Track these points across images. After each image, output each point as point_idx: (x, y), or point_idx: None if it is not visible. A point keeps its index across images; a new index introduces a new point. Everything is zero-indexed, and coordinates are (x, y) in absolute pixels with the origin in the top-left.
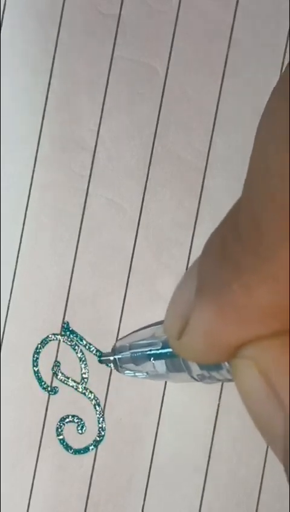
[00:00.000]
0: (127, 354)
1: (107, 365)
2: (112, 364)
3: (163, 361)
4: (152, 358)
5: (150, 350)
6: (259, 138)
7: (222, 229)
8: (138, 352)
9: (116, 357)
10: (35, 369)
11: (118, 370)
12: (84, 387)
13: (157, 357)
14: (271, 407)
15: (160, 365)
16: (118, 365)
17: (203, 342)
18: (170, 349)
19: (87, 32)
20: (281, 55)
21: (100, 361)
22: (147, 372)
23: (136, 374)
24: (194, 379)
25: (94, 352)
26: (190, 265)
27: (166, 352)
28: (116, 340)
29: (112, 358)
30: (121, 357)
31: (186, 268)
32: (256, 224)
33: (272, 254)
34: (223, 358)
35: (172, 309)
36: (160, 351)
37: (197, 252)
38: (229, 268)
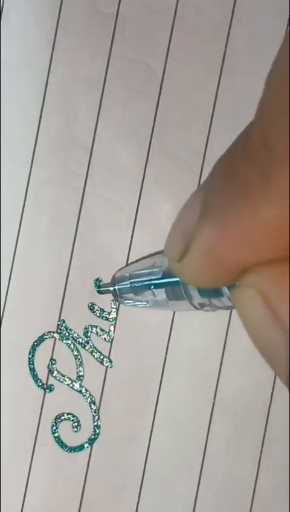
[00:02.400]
0: (127, 283)
1: (102, 293)
2: (111, 295)
3: (163, 289)
4: (152, 287)
5: (151, 279)
6: (277, 62)
7: (231, 151)
8: (138, 281)
9: (116, 287)
10: (31, 367)
11: (117, 300)
12: (80, 385)
13: (158, 285)
14: (274, 331)
15: (160, 294)
16: (118, 295)
17: (204, 262)
18: (170, 278)
19: (85, 30)
20: None
21: (99, 292)
22: (147, 301)
23: (136, 303)
24: (194, 307)
25: (90, 350)
26: None
27: (167, 281)
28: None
29: (111, 288)
30: (121, 287)
31: None
32: (266, 142)
33: (281, 172)
34: (224, 280)
35: (174, 230)
36: (161, 280)
37: None
38: (237, 187)
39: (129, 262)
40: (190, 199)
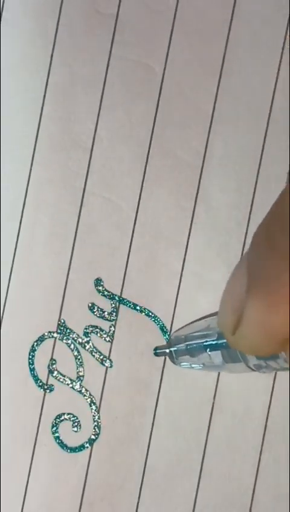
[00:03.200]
0: (182, 346)
1: (159, 355)
2: (167, 357)
3: (219, 352)
4: (208, 350)
5: (206, 341)
6: None
7: (267, 220)
8: (194, 343)
9: (172, 349)
10: (31, 367)
11: (174, 362)
12: (80, 385)
13: (214, 347)
14: None
15: (216, 356)
16: (174, 357)
17: (258, 334)
18: (225, 340)
19: (85, 31)
20: (279, 54)
21: (156, 354)
22: (203, 364)
23: (193, 365)
24: (251, 369)
25: (90, 350)
26: (185, 265)
27: (222, 343)
28: (171, 332)
29: (167, 350)
30: (176, 349)
31: (182, 268)
32: None
33: None
34: (279, 348)
35: (225, 303)
36: (216, 341)
37: (193, 251)
38: (277, 259)
39: (184, 324)
40: (236, 270)
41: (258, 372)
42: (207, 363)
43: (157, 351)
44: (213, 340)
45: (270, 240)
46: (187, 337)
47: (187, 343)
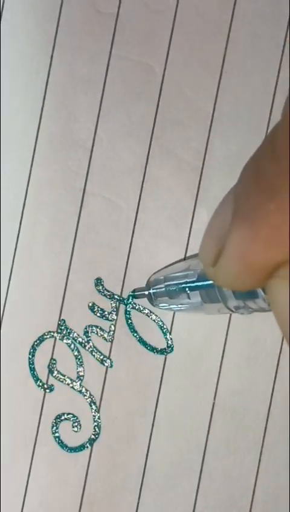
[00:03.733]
0: (161, 287)
1: (137, 299)
2: (146, 299)
3: (198, 292)
4: (187, 290)
5: (186, 282)
6: None
7: (258, 154)
8: (173, 284)
9: (151, 291)
10: (31, 367)
11: (152, 304)
12: (80, 385)
13: (193, 288)
14: None
15: (195, 297)
16: (153, 299)
17: (238, 265)
18: (205, 281)
19: (85, 31)
20: (279, 54)
21: (134, 297)
22: (181, 304)
23: (171, 306)
24: (230, 310)
25: (90, 350)
26: None
27: (202, 284)
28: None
29: (146, 292)
30: (155, 290)
31: None
32: None
33: None
34: (258, 282)
35: (208, 235)
36: (195, 282)
37: (193, 251)
38: (265, 189)
39: (164, 266)
40: (221, 204)
41: (237, 314)
42: (186, 304)
43: (136, 293)
44: (193, 281)
45: (259, 172)
46: (166, 277)
47: (166, 283)
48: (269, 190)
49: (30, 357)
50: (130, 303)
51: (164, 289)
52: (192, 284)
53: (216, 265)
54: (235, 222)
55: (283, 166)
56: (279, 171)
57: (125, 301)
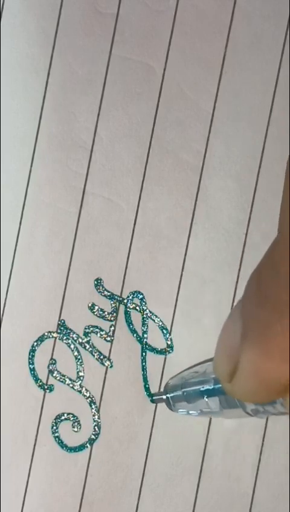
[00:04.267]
0: (179, 392)
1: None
2: (164, 404)
3: (217, 398)
4: (205, 396)
5: (203, 387)
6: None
7: (259, 269)
8: (191, 390)
9: (168, 395)
10: (31, 367)
11: (171, 409)
12: (80, 385)
13: (211, 393)
14: None
15: (213, 402)
16: (171, 404)
17: (253, 382)
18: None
19: (85, 30)
20: (279, 54)
21: (152, 401)
22: (200, 410)
23: (190, 412)
24: (249, 414)
25: (90, 350)
26: (186, 265)
27: (219, 389)
28: (169, 378)
29: (164, 397)
30: (173, 395)
31: (182, 268)
32: None
33: None
34: (275, 395)
35: (220, 351)
36: (213, 387)
37: (193, 251)
38: (269, 308)
39: (181, 370)
40: (229, 320)
41: (255, 417)
42: (204, 409)
43: (154, 398)
44: (210, 386)
45: (262, 288)
46: (184, 383)
47: (184, 389)
48: (274, 308)
49: (30, 357)
50: (130, 300)
51: (181, 394)
52: (209, 389)
53: (232, 381)
54: (245, 339)
55: (283, 283)
56: (280, 288)
57: (125, 301)
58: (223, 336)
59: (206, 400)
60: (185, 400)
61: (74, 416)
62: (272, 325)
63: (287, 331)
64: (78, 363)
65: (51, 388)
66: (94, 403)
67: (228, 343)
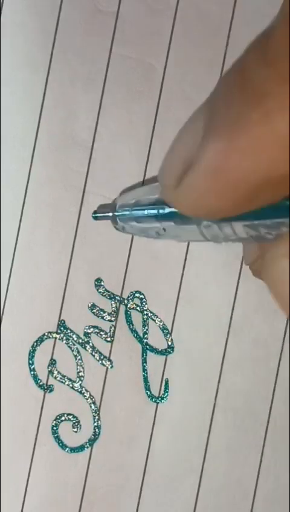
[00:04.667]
0: (127, 210)
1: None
2: (110, 221)
3: (172, 223)
4: (158, 212)
5: (155, 207)
6: None
7: (244, 58)
8: (142, 208)
9: (116, 213)
10: (31, 367)
11: (117, 228)
12: (80, 385)
13: (165, 217)
14: None
15: (168, 226)
16: (117, 222)
17: (209, 180)
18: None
19: (85, 29)
20: None
21: (95, 218)
22: (151, 230)
23: (138, 232)
24: (204, 236)
25: (90, 350)
26: (186, 265)
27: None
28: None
29: (110, 214)
30: (121, 213)
31: (183, 268)
32: None
33: None
34: (231, 207)
35: (172, 153)
36: (168, 210)
37: (193, 251)
38: (249, 96)
39: (131, 185)
40: (189, 120)
41: (215, 243)
42: (155, 229)
43: (98, 215)
44: (165, 207)
45: (244, 76)
46: (136, 202)
47: (135, 208)
48: (254, 96)
49: (30, 357)
50: (130, 301)
51: (130, 212)
52: (164, 212)
53: (180, 185)
54: (209, 134)
55: (274, 69)
56: (269, 73)
57: (125, 301)
58: (178, 136)
59: (160, 224)
60: (134, 219)
61: (74, 416)
62: (248, 112)
63: (266, 120)
64: (78, 363)
65: (51, 388)
66: (94, 403)
67: (183, 144)
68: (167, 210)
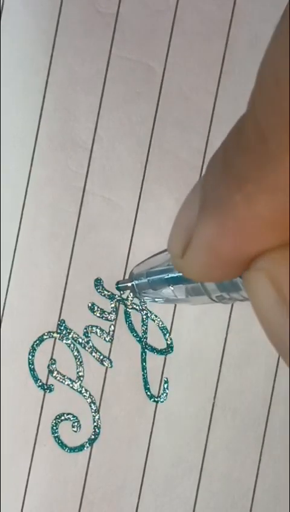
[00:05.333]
0: (144, 280)
1: (122, 292)
2: (129, 291)
3: (182, 286)
4: (171, 285)
5: (168, 275)
6: (268, 51)
7: (225, 144)
8: (156, 278)
9: (134, 283)
10: (31, 367)
11: (136, 296)
12: (80, 385)
13: (176, 281)
14: (282, 315)
15: (179, 290)
16: (136, 291)
17: (205, 257)
18: None
19: (85, 30)
20: None
21: (118, 289)
22: (166, 298)
23: (156, 299)
24: (214, 301)
25: (90, 350)
26: None
27: (184, 277)
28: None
29: (129, 284)
30: (139, 282)
31: None
32: (260, 134)
33: (274, 164)
34: (226, 274)
35: (176, 226)
36: (177, 274)
37: None
38: (231, 180)
39: (145, 258)
40: (189, 195)
41: (221, 303)
42: (170, 297)
43: (120, 285)
44: (175, 274)
45: (225, 161)
46: (149, 272)
47: (149, 278)
48: (236, 181)
49: (30, 357)
50: (129, 299)
51: (146, 282)
52: (174, 277)
53: (184, 256)
54: (202, 214)
55: (249, 157)
56: (246, 161)
57: (125, 301)
58: (182, 209)
59: (172, 288)
60: (150, 287)
61: (73, 416)
62: (231, 196)
63: (248, 202)
64: (78, 363)
65: (51, 388)
66: (94, 403)
67: (184, 217)
68: (176, 274)
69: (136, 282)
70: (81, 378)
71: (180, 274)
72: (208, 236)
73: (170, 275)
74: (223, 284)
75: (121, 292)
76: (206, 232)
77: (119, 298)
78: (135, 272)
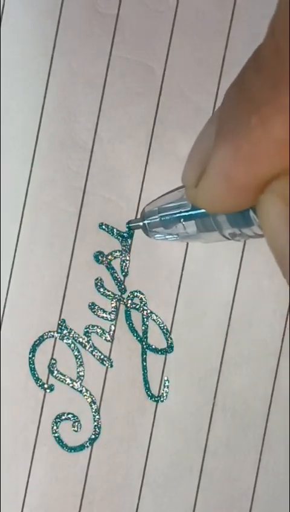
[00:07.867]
0: (156, 218)
1: (131, 232)
2: (141, 230)
3: (193, 222)
4: (182, 220)
5: (180, 212)
6: None
7: (242, 70)
8: (167, 215)
9: (145, 222)
10: (31, 367)
11: (148, 235)
12: (80, 385)
13: (188, 217)
14: None
15: (190, 226)
16: (148, 230)
17: (220, 183)
18: (200, 210)
19: (85, 31)
20: None
21: (129, 228)
22: (177, 234)
23: (167, 237)
24: (226, 237)
25: (90, 350)
26: (186, 265)
27: (196, 213)
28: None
29: (141, 223)
30: (150, 221)
31: (182, 268)
32: (277, 52)
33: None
34: (241, 202)
35: (191, 158)
36: (190, 211)
37: (193, 251)
38: (247, 104)
39: (158, 196)
40: (204, 128)
41: (233, 240)
42: (181, 234)
43: (131, 225)
44: (187, 211)
45: (242, 86)
46: (160, 208)
47: (161, 214)
48: (252, 103)
49: (30, 357)
50: (130, 299)
51: (158, 220)
52: (186, 214)
53: (197, 186)
54: (217, 142)
55: (265, 76)
56: (262, 81)
57: (125, 301)
58: (197, 141)
59: (183, 223)
60: (161, 225)
61: (74, 416)
62: (247, 118)
63: (262, 124)
64: (79, 362)
65: (51, 388)
66: (94, 403)
67: (199, 149)
68: (188, 210)
69: (148, 221)
70: (82, 378)
71: (192, 211)
72: (223, 162)
73: (182, 211)
74: (235, 218)
75: (131, 232)
76: (221, 158)
77: (119, 298)
78: (146, 211)
